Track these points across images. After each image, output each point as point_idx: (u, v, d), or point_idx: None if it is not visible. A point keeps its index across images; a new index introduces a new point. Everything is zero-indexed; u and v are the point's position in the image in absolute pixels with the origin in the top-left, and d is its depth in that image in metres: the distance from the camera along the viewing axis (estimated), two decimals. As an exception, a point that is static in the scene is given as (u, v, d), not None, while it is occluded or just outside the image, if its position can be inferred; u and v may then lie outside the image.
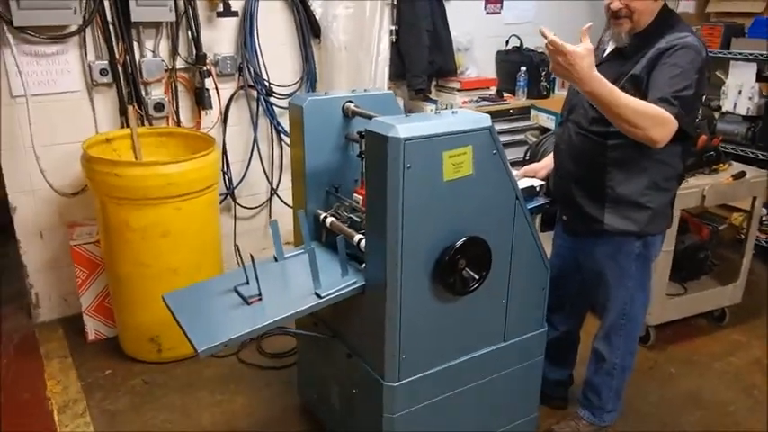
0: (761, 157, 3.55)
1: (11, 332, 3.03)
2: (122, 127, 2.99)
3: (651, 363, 2.84)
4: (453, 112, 1.78)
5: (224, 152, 3.27)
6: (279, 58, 3.32)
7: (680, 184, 2.09)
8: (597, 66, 1.77)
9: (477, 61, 3.97)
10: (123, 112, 2.97)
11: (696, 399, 2.61)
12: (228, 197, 3.36)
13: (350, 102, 2.10)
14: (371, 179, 1.74)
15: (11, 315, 3.17)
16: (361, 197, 2.07)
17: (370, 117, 1.97)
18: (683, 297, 2.97)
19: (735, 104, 3.68)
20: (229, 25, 3.16)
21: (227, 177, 3.31)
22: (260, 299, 1.86)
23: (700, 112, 1.87)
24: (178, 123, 3.13)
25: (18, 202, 2.92)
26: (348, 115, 2.11)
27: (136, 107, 2.97)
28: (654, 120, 1.73)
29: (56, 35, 2.75)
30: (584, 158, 2.01)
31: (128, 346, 2.84)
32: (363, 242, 1.89)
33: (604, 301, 2.17)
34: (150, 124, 3.04)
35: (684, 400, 2.60)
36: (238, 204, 3.42)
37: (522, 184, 2.14)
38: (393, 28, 3.52)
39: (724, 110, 3.74)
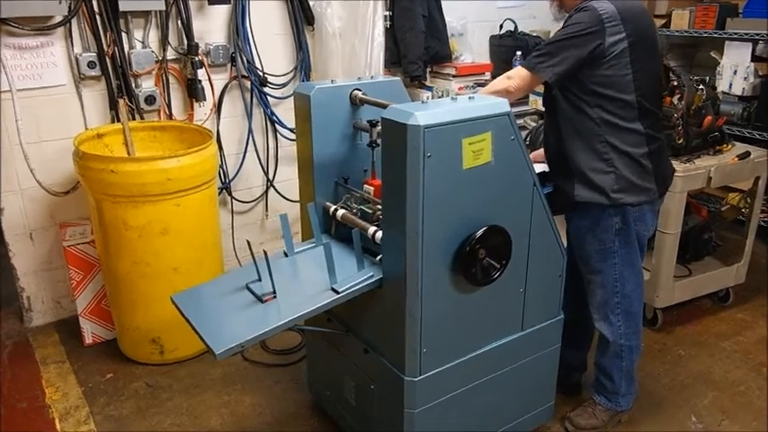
0: (757, 137, 3.55)
1: (3, 338, 2.92)
2: (112, 121, 2.88)
3: (660, 345, 2.84)
4: (470, 98, 1.73)
5: (218, 145, 3.17)
6: (272, 47, 3.23)
7: (656, 149, 2.02)
8: None
9: (472, 46, 3.91)
10: (113, 106, 2.87)
11: (707, 379, 2.61)
12: (224, 191, 3.27)
13: (357, 90, 2.03)
14: (388, 169, 1.68)
15: (2, 320, 3.06)
16: (372, 188, 2.01)
17: (379, 105, 1.92)
18: (688, 279, 2.96)
19: (730, 85, 3.68)
20: (221, 13, 3.05)
21: (222, 171, 3.22)
22: (274, 297, 1.79)
23: (570, 57, 1.88)
24: (170, 116, 3.03)
25: (5, 203, 2.80)
26: (356, 103, 2.04)
27: (126, 100, 2.85)
28: (494, 83, 2.05)
29: (40, 26, 2.63)
30: (549, 136, 2.13)
31: (128, 348, 2.75)
32: (378, 234, 1.83)
33: (591, 278, 2.16)
34: (141, 118, 2.93)
35: (696, 381, 2.60)
36: (234, 198, 3.34)
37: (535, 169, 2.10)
38: (387, 13, 3.44)
39: (720, 90, 3.73)
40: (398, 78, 2.17)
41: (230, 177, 3.27)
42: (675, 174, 2.59)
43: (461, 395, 1.94)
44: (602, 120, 1.95)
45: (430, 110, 1.60)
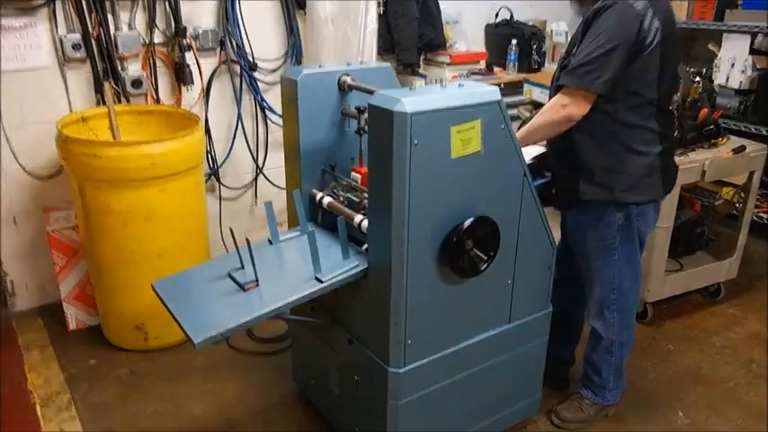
0: (753, 131, 3.52)
1: (-14, 323, 2.89)
2: (98, 105, 2.82)
3: (649, 339, 2.82)
4: (460, 85, 1.68)
5: (206, 130, 3.13)
6: (262, 31, 3.17)
7: (668, 148, 1.98)
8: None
9: (466, 34, 3.86)
10: (99, 90, 2.81)
11: (696, 375, 2.59)
12: (212, 177, 3.22)
13: (346, 75, 1.98)
14: (375, 157, 1.64)
15: (-15, 305, 3.02)
16: (359, 175, 1.98)
17: (367, 91, 1.87)
18: (679, 273, 2.94)
19: (728, 77, 3.64)
20: (210, -4, 2.99)
21: (210, 157, 3.17)
22: (257, 285, 1.76)
23: (617, 62, 1.77)
24: (157, 100, 2.97)
25: (-13, 186, 2.75)
26: (344, 89, 1.99)
27: (112, 83, 2.80)
28: (547, 114, 1.89)
29: (23, 6, 2.56)
30: None
31: (112, 334, 2.71)
32: (365, 223, 1.80)
33: (589, 274, 2.12)
34: (128, 102, 2.88)
35: (684, 377, 2.58)
36: (222, 185, 3.29)
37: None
38: (380, -1, 3.38)
39: (717, 83, 3.69)
40: (388, 64, 2.13)
41: (219, 163, 3.22)
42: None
43: (447, 387, 1.91)
44: (618, 117, 1.88)
45: (418, 96, 1.56)
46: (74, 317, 2.82)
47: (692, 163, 2.63)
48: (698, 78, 2.70)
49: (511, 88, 3.74)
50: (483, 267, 1.77)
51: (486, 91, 1.67)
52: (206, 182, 3.18)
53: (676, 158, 2.60)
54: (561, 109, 1.85)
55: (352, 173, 2.01)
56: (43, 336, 2.80)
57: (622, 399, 2.34)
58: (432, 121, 1.55)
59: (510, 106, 3.69)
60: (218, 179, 3.26)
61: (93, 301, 2.77)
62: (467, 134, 1.63)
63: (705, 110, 2.66)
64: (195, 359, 2.65)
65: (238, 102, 3.18)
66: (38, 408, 2.34)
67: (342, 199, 1.99)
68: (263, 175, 3.38)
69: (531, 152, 2.11)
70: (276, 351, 2.71)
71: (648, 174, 1.95)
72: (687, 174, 2.63)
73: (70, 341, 2.76)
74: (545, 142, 2.17)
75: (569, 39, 2.22)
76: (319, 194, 2.02)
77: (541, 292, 2.07)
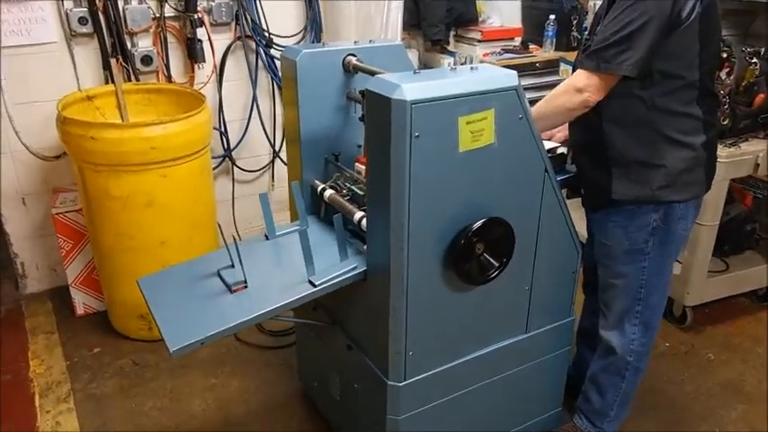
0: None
1: (-3, 304, 2.86)
2: (107, 82, 2.71)
3: (687, 347, 2.58)
4: (472, 68, 1.48)
5: (220, 110, 2.99)
6: (279, 5, 2.99)
7: (712, 138, 1.73)
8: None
9: (501, 8, 3.60)
10: (107, 66, 2.69)
11: (738, 389, 2.35)
12: (227, 159, 3.10)
13: (351, 55, 1.80)
14: (372, 148, 1.46)
15: (-1, 285, 2.99)
16: (363, 167, 1.80)
17: (372, 73, 1.68)
18: (725, 275, 2.67)
19: (790, 57, 3.27)
20: (223, -33, 2.82)
21: (224, 138, 3.04)
22: (245, 287, 1.61)
23: (651, 38, 1.51)
24: (169, 79, 2.84)
25: (-5, 166, 2.69)
26: (349, 70, 1.81)
27: (120, 60, 2.68)
28: (561, 99, 1.67)
29: (27, -22, 2.46)
30: (581, 117, 1.70)
31: (117, 322, 2.64)
32: (365, 221, 1.63)
33: (611, 279, 1.85)
34: (137, 79, 2.76)
35: (725, 391, 2.35)
36: (237, 167, 3.16)
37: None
38: (406, -30, 3.15)
39: (777, 63, 3.34)
40: (400, 43, 1.94)
41: (233, 144, 3.08)
42: (717, 160, 2.29)
43: (453, 402, 1.75)
44: (655, 103, 1.62)
45: (421, 82, 1.37)
46: (81, 302, 2.75)
47: (744, 155, 2.35)
48: (755, 59, 2.40)
49: (547, 67, 3.47)
50: (493, 274, 1.58)
51: (501, 75, 1.46)
52: (220, 164, 3.07)
53: (726, 150, 2.34)
54: (576, 94, 1.61)
55: (357, 163, 1.84)
56: (51, 320, 2.75)
57: (653, 413, 2.14)
58: (435, 111, 1.36)
59: (545, 87, 3.43)
60: (232, 161, 3.13)
61: (101, 286, 2.69)
62: (478, 125, 1.43)
63: (762, 95, 2.37)
64: (200, 351, 2.53)
65: (253, 80, 3.03)
66: (36, 398, 2.29)
67: (345, 192, 1.82)
68: (279, 157, 3.23)
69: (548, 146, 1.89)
70: (285, 345, 2.59)
71: (691, 168, 1.69)
72: (737, 167, 2.36)
73: (77, 327, 2.71)
74: (560, 136, 1.95)
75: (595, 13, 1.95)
76: (321, 186, 1.86)
77: (564, 300, 1.87)
